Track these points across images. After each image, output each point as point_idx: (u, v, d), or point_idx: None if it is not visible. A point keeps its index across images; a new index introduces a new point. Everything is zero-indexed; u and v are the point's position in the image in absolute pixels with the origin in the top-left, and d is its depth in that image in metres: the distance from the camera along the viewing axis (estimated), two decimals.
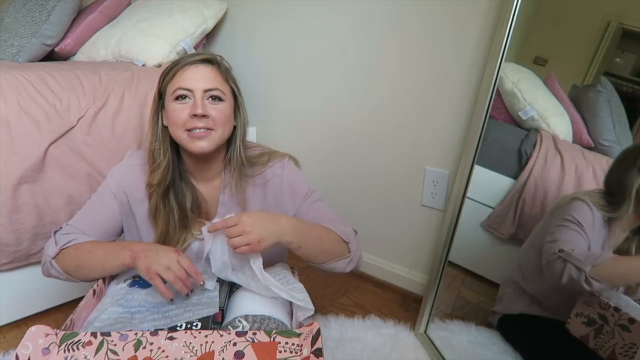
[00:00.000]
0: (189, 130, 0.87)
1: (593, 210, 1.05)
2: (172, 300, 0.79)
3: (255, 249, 0.77)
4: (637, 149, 0.99)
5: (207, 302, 0.80)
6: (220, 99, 0.90)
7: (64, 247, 0.88)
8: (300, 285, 0.85)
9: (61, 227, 0.93)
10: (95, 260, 0.86)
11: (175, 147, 0.95)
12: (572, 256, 1.02)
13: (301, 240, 0.83)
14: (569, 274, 1.02)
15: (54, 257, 0.88)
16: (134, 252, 0.82)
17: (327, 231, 0.89)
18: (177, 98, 0.88)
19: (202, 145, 0.89)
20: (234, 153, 0.96)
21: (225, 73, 0.93)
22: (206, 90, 0.88)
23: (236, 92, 0.95)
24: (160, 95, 0.93)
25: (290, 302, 0.83)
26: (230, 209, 0.99)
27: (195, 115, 0.86)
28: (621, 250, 1.05)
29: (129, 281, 0.87)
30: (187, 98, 0.88)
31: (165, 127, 0.93)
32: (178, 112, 0.88)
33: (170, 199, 0.95)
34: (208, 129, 0.88)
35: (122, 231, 1.02)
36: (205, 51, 0.92)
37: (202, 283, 0.82)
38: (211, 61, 0.90)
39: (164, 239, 0.95)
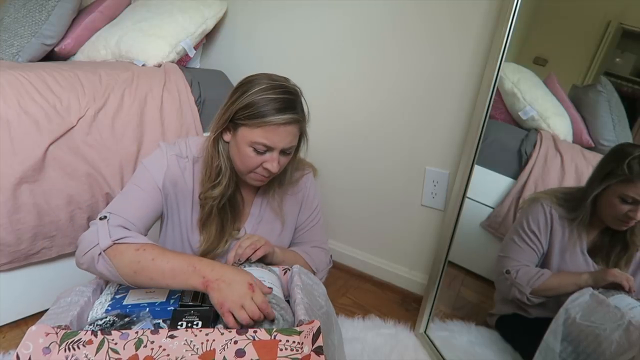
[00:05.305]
0: (253, 171, 0.92)
1: (547, 210, 1.11)
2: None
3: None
4: (612, 163, 1.00)
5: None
6: (291, 152, 0.94)
7: (119, 241, 0.78)
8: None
9: (106, 216, 0.83)
10: (159, 273, 0.76)
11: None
12: (516, 281, 1.14)
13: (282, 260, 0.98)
14: (514, 294, 1.15)
15: (105, 250, 0.77)
16: (206, 281, 0.73)
17: (302, 260, 1.03)
18: (254, 148, 0.89)
19: (260, 184, 0.98)
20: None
21: (302, 123, 0.92)
22: (283, 149, 0.90)
23: (303, 132, 0.96)
24: (231, 119, 0.90)
25: (290, 300, 0.84)
26: (264, 211, 1.05)
27: (266, 169, 0.91)
28: (597, 246, 1.09)
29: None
30: (265, 151, 0.89)
31: (226, 142, 0.94)
32: (251, 159, 0.90)
33: (226, 206, 0.98)
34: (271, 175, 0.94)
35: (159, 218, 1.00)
36: (288, 93, 0.89)
37: (272, 320, 0.73)
38: (298, 120, 0.89)
39: (214, 241, 0.98)
